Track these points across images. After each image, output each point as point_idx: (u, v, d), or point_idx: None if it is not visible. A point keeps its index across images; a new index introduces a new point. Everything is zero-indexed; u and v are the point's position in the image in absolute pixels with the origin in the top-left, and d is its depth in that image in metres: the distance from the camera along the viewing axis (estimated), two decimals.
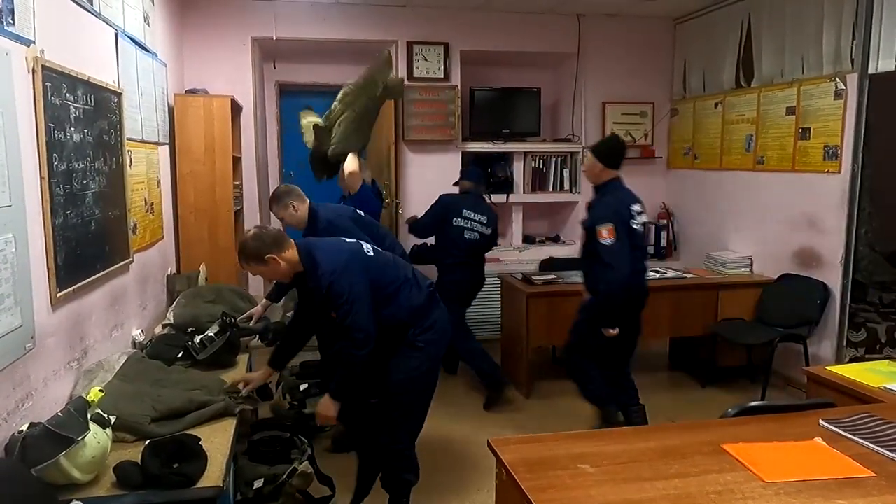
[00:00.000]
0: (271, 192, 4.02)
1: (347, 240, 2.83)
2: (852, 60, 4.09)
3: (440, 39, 5.57)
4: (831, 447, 1.79)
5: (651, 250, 5.96)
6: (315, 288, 2.63)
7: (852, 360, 4.21)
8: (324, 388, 2.89)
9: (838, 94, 4.18)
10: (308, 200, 3.66)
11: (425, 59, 5.57)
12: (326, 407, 2.70)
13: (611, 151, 3.62)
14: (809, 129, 4.42)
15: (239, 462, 2.83)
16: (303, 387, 3.70)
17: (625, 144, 3.71)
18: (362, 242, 2.83)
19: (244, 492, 2.76)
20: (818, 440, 1.83)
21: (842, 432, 1.88)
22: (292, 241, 2.68)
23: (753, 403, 2.15)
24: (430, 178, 5.69)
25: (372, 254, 2.78)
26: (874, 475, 1.65)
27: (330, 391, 2.70)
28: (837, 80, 4.18)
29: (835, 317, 4.27)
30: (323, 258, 2.62)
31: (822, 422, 1.95)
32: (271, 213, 3.85)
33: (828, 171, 4.28)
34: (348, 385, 2.69)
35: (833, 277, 4.28)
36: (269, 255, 2.59)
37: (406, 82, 5.52)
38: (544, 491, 1.56)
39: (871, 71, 4.01)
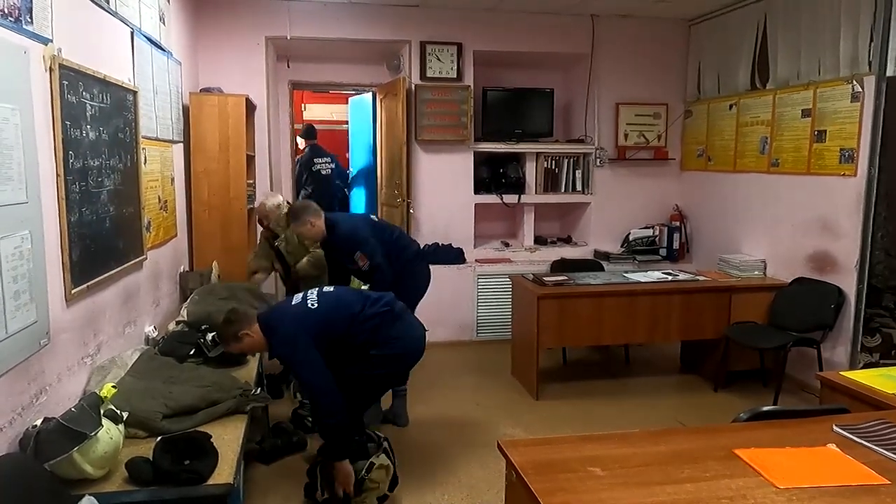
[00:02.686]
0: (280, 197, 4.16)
1: (293, 302, 2.96)
2: (869, 63, 4.05)
3: (453, 39, 5.57)
4: (845, 454, 1.77)
5: (664, 252, 5.94)
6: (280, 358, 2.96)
7: (866, 366, 4.17)
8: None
9: (855, 97, 4.14)
10: (323, 214, 3.74)
11: (438, 60, 5.57)
12: (339, 472, 2.83)
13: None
14: (825, 131, 4.38)
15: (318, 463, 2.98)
16: None
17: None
18: (307, 298, 2.92)
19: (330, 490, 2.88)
20: (832, 446, 1.81)
21: (856, 439, 1.86)
22: (255, 315, 2.89)
23: (766, 408, 2.14)
24: (441, 178, 5.70)
25: (315, 306, 2.88)
26: (889, 483, 1.63)
27: (331, 459, 2.84)
28: (854, 82, 4.14)
29: (849, 321, 4.23)
30: (274, 331, 2.80)
31: (835, 428, 1.93)
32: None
33: (843, 175, 4.24)
34: (342, 445, 2.82)
35: (848, 282, 4.24)
36: (242, 332, 2.79)
37: (419, 82, 5.53)
38: (554, 494, 1.55)
39: (888, 73, 3.96)
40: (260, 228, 4.53)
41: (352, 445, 2.88)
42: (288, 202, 4.49)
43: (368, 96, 6.64)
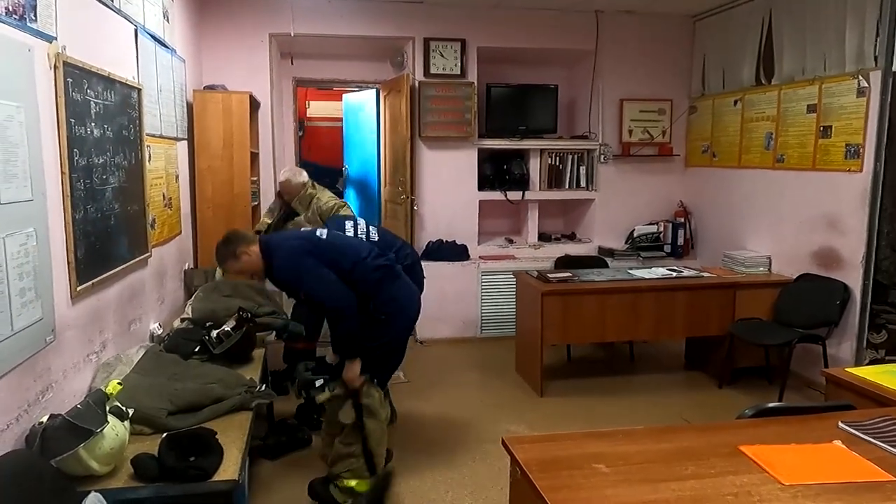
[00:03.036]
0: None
1: (298, 233, 3.07)
2: (875, 58, 4.03)
3: (457, 36, 5.56)
4: (850, 450, 1.77)
5: (668, 249, 5.93)
6: (279, 281, 2.90)
7: (872, 362, 4.15)
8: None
9: (861, 92, 4.12)
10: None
11: (442, 56, 5.56)
12: (349, 371, 2.87)
13: None
14: (831, 127, 4.36)
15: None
16: (318, 383, 3.72)
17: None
18: (315, 230, 3.02)
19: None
20: (837, 443, 1.81)
21: (861, 435, 1.86)
22: (256, 237, 2.99)
23: (771, 405, 2.13)
24: (445, 174, 5.70)
25: (324, 237, 2.95)
26: (894, 479, 1.62)
27: (342, 356, 2.90)
28: (860, 77, 4.12)
29: (855, 318, 4.22)
30: (276, 250, 2.84)
31: (841, 424, 1.92)
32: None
33: (849, 170, 4.22)
34: (351, 342, 2.87)
35: (853, 278, 4.23)
36: (240, 250, 2.83)
37: (423, 79, 5.53)
38: (559, 490, 1.55)
39: (895, 69, 3.94)
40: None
41: (360, 346, 2.90)
42: (313, 182, 4.50)
43: (365, 94, 6.62)
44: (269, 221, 4.53)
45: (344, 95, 7.28)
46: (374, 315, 2.90)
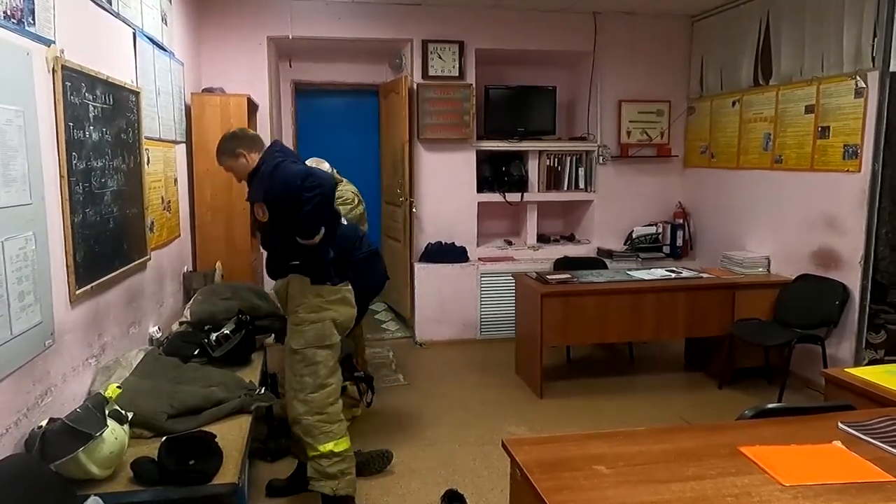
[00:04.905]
0: None
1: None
2: (873, 58, 4.04)
3: (455, 38, 5.57)
4: (850, 451, 1.77)
5: (667, 250, 5.93)
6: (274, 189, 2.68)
7: (871, 362, 4.16)
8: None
9: (859, 93, 4.13)
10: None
11: (440, 58, 5.57)
12: None
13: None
14: (829, 127, 4.37)
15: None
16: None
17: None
18: None
19: None
20: (837, 443, 1.81)
21: (861, 436, 1.86)
22: (263, 145, 2.86)
23: (771, 405, 2.13)
24: (444, 176, 5.70)
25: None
26: (894, 480, 1.62)
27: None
28: (858, 78, 4.13)
29: (854, 318, 4.22)
30: (279, 167, 2.71)
31: (840, 425, 1.92)
32: None
33: (847, 171, 4.22)
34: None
35: (852, 278, 4.23)
36: (240, 150, 2.77)
37: (421, 81, 5.53)
38: (559, 492, 1.55)
39: (892, 69, 3.95)
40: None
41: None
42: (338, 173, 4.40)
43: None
44: None
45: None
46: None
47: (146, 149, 3.40)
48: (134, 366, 2.75)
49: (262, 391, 2.81)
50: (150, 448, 2.18)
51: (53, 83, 2.32)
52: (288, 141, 6.16)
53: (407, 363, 5.11)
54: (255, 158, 2.80)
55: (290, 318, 2.87)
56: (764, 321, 4.55)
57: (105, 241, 2.79)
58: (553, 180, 6.00)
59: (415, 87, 5.54)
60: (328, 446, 2.80)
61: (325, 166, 4.30)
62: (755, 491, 1.56)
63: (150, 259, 3.43)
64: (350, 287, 2.93)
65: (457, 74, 5.60)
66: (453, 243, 5.69)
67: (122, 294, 3.05)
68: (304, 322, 2.81)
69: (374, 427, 3.84)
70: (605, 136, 5.95)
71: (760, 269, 4.89)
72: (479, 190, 5.83)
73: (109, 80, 2.87)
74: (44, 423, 2.02)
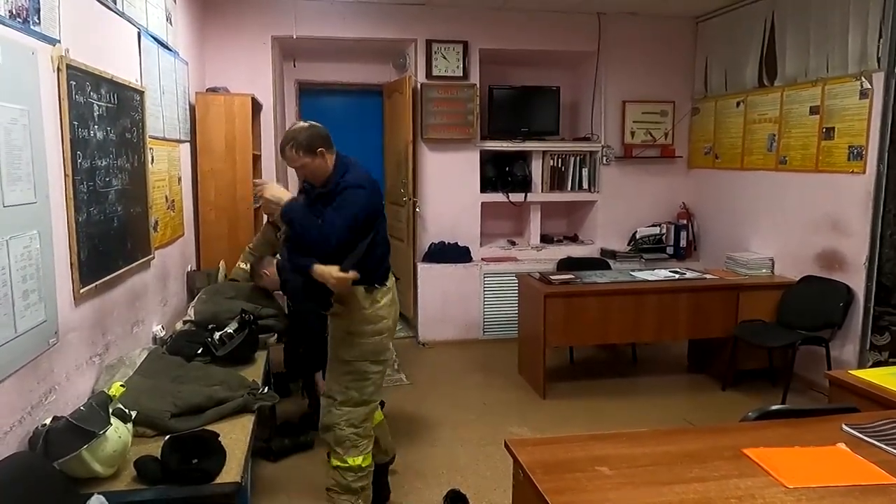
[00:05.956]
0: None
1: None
2: (878, 59, 4.02)
3: (459, 38, 5.56)
4: (854, 453, 1.76)
5: (671, 251, 5.92)
6: (328, 192, 2.61)
7: (875, 364, 4.14)
8: None
9: (864, 94, 4.11)
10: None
11: (444, 58, 5.57)
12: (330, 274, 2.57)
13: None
14: (833, 128, 4.35)
15: None
16: None
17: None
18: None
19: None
20: (841, 446, 1.80)
21: (865, 438, 1.85)
22: (334, 149, 2.72)
23: (774, 407, 2.12)
24: (448, 176, 5.70)
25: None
26: None
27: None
28: (863, 79, 4.11)
29: (858, 320, 4.21)
30: (352, 170, 2.66)
31: (844, 427, 1.92)
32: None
33: (852, 172, 4.21)
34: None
35: (857, 280, 4.22)
36: (321, 149, 2.61)
37: (425, 81, 5.53)
38: (562, 493, 1.55)
39: None
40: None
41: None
42: None
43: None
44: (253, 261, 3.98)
45: None
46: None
47: (150, 148, 3.40)
48: (137, 365, 2.76)
49: (266, 390, 2.81)
50: (154, 447, 2.19)
51: (58, 82, 2.33)
52: None
53: (410, 363, 5.11)
54: (331, 159, 2.67)
55: (340, 325, 2.74)
56: (768, 323, 4.54)
57: (109, 239, 2.80)
58: (556, 181, 5.99)
59: (419, 86, 5.54)
60: (357, 460, 2.73)
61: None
62: (759, 493, 1.56)
63: (153, 258, 3.44)
64: (394, 278, 2.89)
65: (461, 74, 5.60)
66: (456, 243, 5.69)
67: (126, 293, 3.05)
68: (361, 334, 2.68)
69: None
70: (609, 137, 5.94)
71: (764, 271, 4.88)
72: (483, 190, 5.82)
73: (114, 79, 2.88)
74: (48, 421, 2.03)
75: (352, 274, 2.53)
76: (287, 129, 2.93)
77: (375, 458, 3.05)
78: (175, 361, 2.92)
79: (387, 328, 2.75)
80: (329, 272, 2.52)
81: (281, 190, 2.74)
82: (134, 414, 2.20)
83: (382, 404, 3.18)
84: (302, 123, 2.71)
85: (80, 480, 1.97)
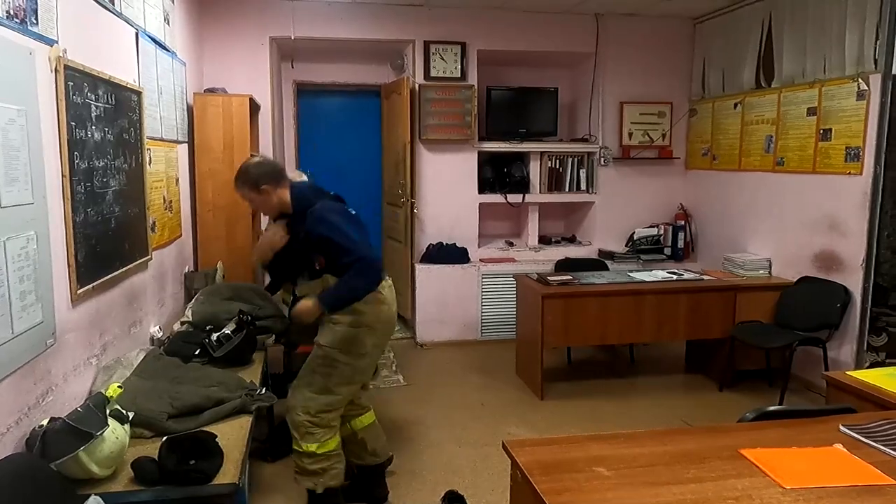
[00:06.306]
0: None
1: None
2: (875, 61, 4.04)
3: (457, 39, 5.57)
4: (852, 454, 1.77)
5: (668, 252, 5.93)
6: (306, 229, 2.70)
7: (873, 365, 4.15)
8: None
9: (861, 95, 4.13)
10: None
11: (442, 59, 5.57)
12: (310, 309, 2.70)
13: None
14: (831, 130, 4.37)
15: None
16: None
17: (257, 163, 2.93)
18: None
19: None
20: (838, 446, 1.81)
21: (863, 439, 1.86)
22: (289, 181, 2.80)
23: (772, 408, 2.13)
24: (446, 177, 5.71)
25: (354, 212, 2.85)
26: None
27: (321, 297, 2.69)
28: (860, 80, 4.12)
29: (855, 321, 4.22)
30: (311, 202, 2.73)
31: (842, 427, 1.92)
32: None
33: (849, 173, 4.22)
34: (341, 303, 2.72)
35: (854, 281, 4.23)
36: (265, 185, 2.71)
37: (423, 82, 5.54)
38: (560, 494, 1.55)
39: (894, 72, 3.95)
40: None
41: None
42: None
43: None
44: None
45: None
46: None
47: (148, 149, 3.40)
48: (135, 365, 2.75)
49: (263, 391, 2.81)
50: (151, 448, 2.18)
51: (56, 83, 2.32)
52: (290, 141, 6.17)
53: (407, 364, 5.11)
54: (282, 194, 2.76)
55: (325, 317, 2.82)
56: (765, 323, 4.55)
57: (106, 240, 2.79)
58: (554, 182, 5.99)
59: (417, 87, 5.54)
60: (311, 447, 2.78)
61: (304, 178, 4.28)
62: (756, 493, 1.56)
63: (151, 259, 3.43)
64: (389, 282, 2.92)
65: (459, 75, 5.60)
66: (454, 244, 5.69)
67: (124, 294, 3.05)
68: (337, 321, 2.77)
69: None
70: (607, 138, 5.95)
71: (762, 272, 4.89)
72: (481, 191, 5.83)
73: (112, 79, 2.87)
74: (45, 422, 2.02)
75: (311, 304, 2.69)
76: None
77: (363, 459, 3.08)
78: (173, 362, 2.92)
79: (366, 323, 2.78)
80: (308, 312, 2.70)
81: (272, 238, 2.80)
82: (131, 415, 2.20)
83: (367, 410, 3.19)
84: (253, 159, 2.83)
85: (77, 481, 1.97)
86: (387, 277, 2.95)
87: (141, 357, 2.84)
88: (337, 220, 2.69)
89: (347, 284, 2.70)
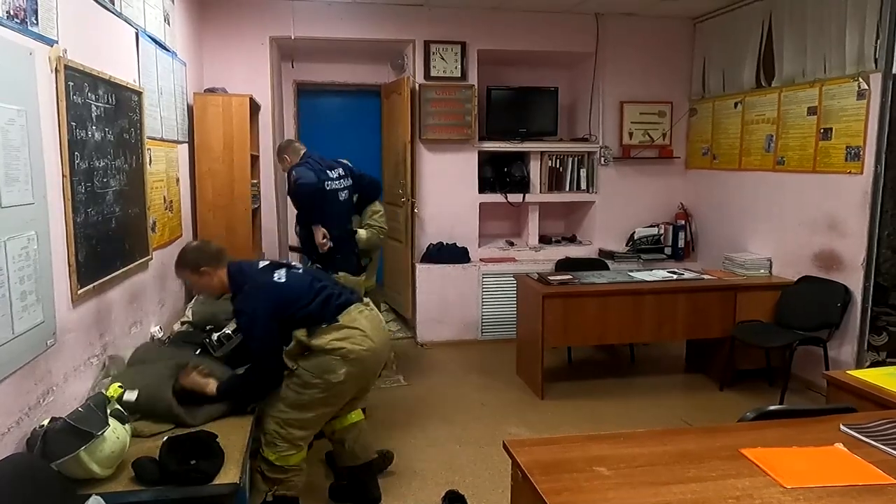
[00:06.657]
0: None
1: (259, 266, 2.90)
2: (876, 60, 4.03)
3: (457, 38, 5.57)
4: (852, 453, 1.77)
5: (669, 251, 5.93)
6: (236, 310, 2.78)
7: (873, 364, 4.15)
8: None
9: (861, 95, 4.12)
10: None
11: (442, 59, 5.57)
12: (203, 386, 2.64)
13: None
14: (831, 129, 4.36)
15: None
16: None
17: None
18: (274, 270, 2.84)
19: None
20: (839, 446, 1.81)
21: (863, 438, 1.86)
22: (227, 262, 2.84)
23: (772, 407, 2.13)
24: (446, 177, 5.71)
25: (283, 280, 2.80)
26: None
27: (219, 387, 2.65)
28: (860, 80, 4.12)
29: (856, 320, 4.21)
30: (242, 286, 2.77)
31: (842, 427, 1.92)
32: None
33: (850, 173, 4.22)
34: (233, 395, 2.68)
35: (854, 280, 4.23)
36: (204, 268, 2.76)
37: (423, 82, 5.54)
38: (560, 493, 1.55)
39: (895, 71, 3.95)
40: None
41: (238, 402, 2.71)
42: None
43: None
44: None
45: None
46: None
47: (148, 149, 3.40)
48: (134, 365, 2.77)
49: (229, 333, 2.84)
50: (152, 448, 2.19)
51: (56, 83, 2.32)
52: None
53: (408, 364, 5.11)
54: (221, 275, 2.79)
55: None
56: (765, 323, 4.55)
57: (107, 240, 2.79)
58: (555, 181, 5.99)
59: (417, 87, 5.54)
60: (271, 456, 2.73)
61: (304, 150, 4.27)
62: (756, 493, 1.56)
63: (151, 259, 3.44)
64: (369, 311, 2.94)
65: (459, 75, 5.60)
66: (455, 244, 5.69)
67: (124, 294, 3.05)
68: (311, 347, 2.74)
69: (374, 428, 3.83)
70: (607, 138, 5.95)
71: (762, 271, 4.89)
72: (481, 191, 5.83)
73: (112, 79, 2.87)
74: (45, 422, 2.03)
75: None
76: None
77: (342, 459, 3.08)
78: (169, 351, 2.96)
79: (339, 352, 2.71)
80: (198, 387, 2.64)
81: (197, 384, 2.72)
82: (136, 393, 2.21)
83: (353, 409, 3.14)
84: (192, 243, 2.88)
85: (78, 481, 1.97)
86: (365, 305, 2.95)
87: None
88: (252, 311, 2.68)
89: (245, 382, 2.72)
